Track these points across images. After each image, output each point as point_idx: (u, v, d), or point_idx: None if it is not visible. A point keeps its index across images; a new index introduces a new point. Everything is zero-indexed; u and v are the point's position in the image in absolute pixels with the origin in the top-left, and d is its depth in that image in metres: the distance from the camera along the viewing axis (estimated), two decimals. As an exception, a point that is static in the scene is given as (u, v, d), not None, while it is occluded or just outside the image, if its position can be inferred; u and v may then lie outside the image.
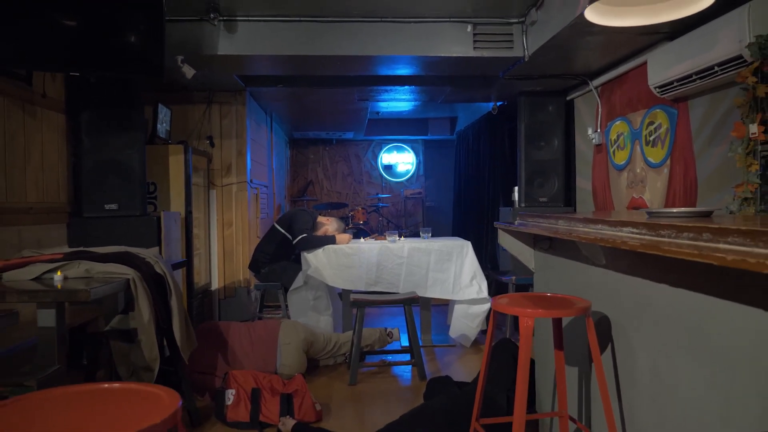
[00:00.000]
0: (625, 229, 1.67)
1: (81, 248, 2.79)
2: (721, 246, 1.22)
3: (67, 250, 2.76)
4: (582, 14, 2.16)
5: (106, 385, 1.25)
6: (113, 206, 3.71)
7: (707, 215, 2.01)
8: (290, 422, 2.87)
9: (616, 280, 1.98)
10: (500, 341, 3.07)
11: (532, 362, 2.80)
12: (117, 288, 2.50)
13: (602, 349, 2.06)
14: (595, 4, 2.05)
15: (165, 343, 2.84)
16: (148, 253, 2.84)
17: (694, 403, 1.61)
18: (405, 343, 4.41)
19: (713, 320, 1.50)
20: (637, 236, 1.56)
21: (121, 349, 2.84)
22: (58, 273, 2.48)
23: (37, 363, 2.34)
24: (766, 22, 2.83)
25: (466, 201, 8.12)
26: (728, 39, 3.00)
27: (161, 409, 1.07)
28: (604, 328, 2.06)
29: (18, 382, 1.92)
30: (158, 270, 2.76)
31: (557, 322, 2.08)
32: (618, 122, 4.59)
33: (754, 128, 2.81)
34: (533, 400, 2.75)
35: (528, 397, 2.71)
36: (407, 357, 4.17)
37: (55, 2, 3.05)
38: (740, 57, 2.94)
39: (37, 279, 2.50)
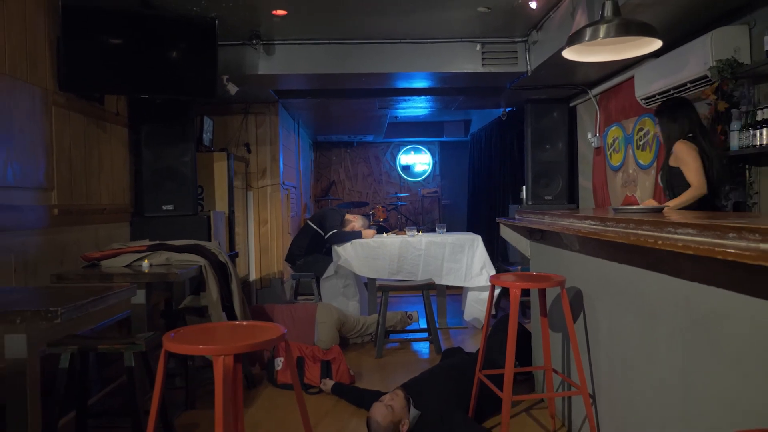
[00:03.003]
0: (587, 221, 2.24)
1: (159, 241, 3.41)
2: (638, 232, 1.79)
3: (149, 242, 3.38)
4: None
5: (237, 323, 1.91)
6: (170, 207, 4.32)
7: (659, 211, 2.57)
8: (330, 383, 3.48)
9: (587, 261, 2.55)
10: (505, 316, 3.64)
11: (529, 333, 3.38)
12: (193, 272, 3.12)
13: (576, 316, 2.63)
14: (573, 46, 2.61)
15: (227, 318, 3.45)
16: (212, 245, 3.45)
17: (632, 350, 2.18)
18: (423, 324, 4.99)
19: (643, 285, 2.06)
20: (593, 227, 2.13)
21: (193, 322, 3.46)
22: (145, 261, 3.11)
23: (133, 330, 2.99)
24: (725, 49, 3.36)
25: (479, 199, 8.62)
26: (696, 61, 3.52)
27: (272, 333, 1.75)
28: (578, 300, 2.63)
29: (131, 341, 2.54)
30: (221, 259, 3.37)
31: (542, 294, 2.65)
32: (614, 128, 5.10)
33: (715, 138, 3.35)
34: (530, 359, 3.33)
35: (527, 358, 3.30)
36: (425, 335, 4.76)
37: (132, 40, 3.69)
38: (706, 77, 3.46)
39: (128, 266, 3.13)
